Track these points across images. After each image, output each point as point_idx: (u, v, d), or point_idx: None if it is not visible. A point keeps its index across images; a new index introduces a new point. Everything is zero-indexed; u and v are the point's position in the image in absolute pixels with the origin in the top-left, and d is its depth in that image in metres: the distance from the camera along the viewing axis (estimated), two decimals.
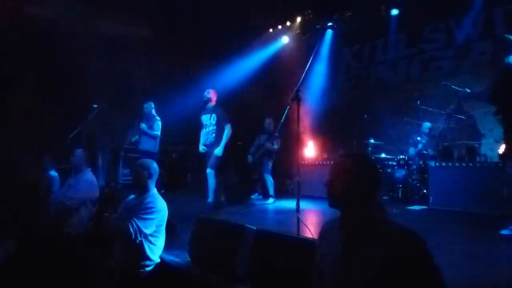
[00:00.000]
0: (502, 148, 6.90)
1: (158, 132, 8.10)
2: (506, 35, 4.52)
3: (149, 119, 8.11)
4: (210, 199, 6.56)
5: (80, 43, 9.46)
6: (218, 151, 6.55)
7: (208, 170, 6.60)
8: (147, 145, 8.00)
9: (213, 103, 6.93)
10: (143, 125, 7.97)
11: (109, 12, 10.25)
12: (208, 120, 6.82)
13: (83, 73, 9.41)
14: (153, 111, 8.28)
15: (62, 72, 9.27)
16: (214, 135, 6.74)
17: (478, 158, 7.31)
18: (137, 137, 8.19)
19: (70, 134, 7.59)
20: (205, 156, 6.89)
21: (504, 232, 4.43)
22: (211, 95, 6.94)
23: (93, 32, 10.21)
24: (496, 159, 7.21)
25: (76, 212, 4.36)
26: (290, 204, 6.86)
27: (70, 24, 9.69)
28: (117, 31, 10.79)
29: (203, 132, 6.92)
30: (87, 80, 9.54)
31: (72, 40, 9.39)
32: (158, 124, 8.15)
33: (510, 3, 8.17)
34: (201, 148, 6.91)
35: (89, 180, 4.51)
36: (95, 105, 7.95)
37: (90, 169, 4.70)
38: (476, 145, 7.68)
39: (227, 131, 6.65)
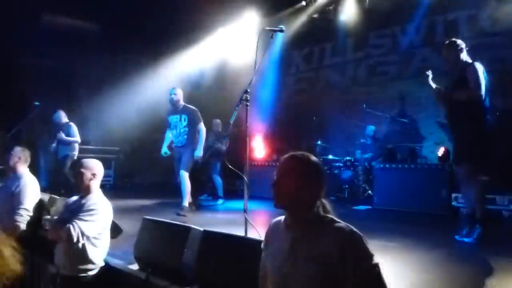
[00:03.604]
0: (441, 151, 7.27)
1: (76, 137, 7.95)
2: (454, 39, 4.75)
3: (63, 128, 7.94)
4: (184, 203, 6.10)
5: (22, 37, 9.06)
6: (198, 152, 6.16)
7: (182, 172, 6.16)
8: (66, 150, 7.88)
9: (181, 102, 6.42)
10: (61, 134, 7.81)
11: (53, 4, 9.87)
12: (178, 122, 6.35)
13: (25, 69, 9.02)
14: (64, 119, 8.07)
15: (1, 67, 8.83)
16: (186, 136, 6.30)
17: (419, 160, 7.64)
18: (54, 145, 7.99)
19: (9, 132, 7.24)
20: (176, 158, 6.45)
21: (457, 237, 4.59)
22: (179, 95, 6.39)
23: (35, 25, 9.80)
24: (436, 161, 7.56)
25: (13, 214, 4.12)
26: (239, 204, 6.87)
27: (10, 17, 9.25)
28: (62, 25, 10.40)
29: (173, 133, 6.44)
30: (29, 77, 9.14)
31: (13, 33, 8.98)
32: (73, 129, 7.96)
33: (449, 12, 8.62)
34: (164, 151, 6.45)
35: (28, 181, 4.27)
36: (36, 103, 7.62)
37: (28, 169, 4.45)
38: (418, 148, 8.02)
39: (202, 131, 6.29)
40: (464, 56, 4.62)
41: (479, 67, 4.47)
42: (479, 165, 4.47)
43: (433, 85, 4.86)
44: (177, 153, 6.42)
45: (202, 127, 6.31)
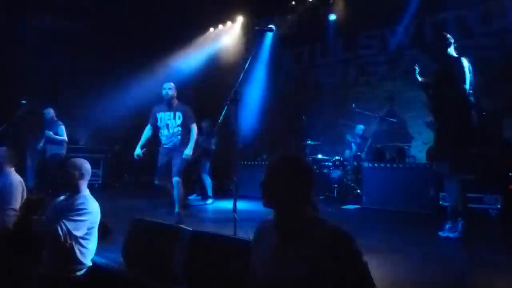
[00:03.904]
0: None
1: (64, 136, 8.00)
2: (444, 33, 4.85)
3: (52, 125, 7.97)
4: (177, 209, 5.54)
5: (9, 35, 8.95)
6: (188, 151, 5.55)
7: (175, 179, 5.56)
8: (55, 149, 7.90)
9: (176, 100, 5.80)
10: (49, 132, 7.83)
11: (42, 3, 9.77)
12: (172, 120, 5.72)
13: (12, 67, 8.91)
14: (54, 117, 8.11)
15: None
16: (180, 137, 5.71)
17: (407, 159, 7.69)
18: (42, 144, 8.02)
19: None
20: (163, 159, 5.78)
21: (441, 233, 4.64)
22: (174, 91, 5.77)
23: (24, 24, 9.69)
24: (423, 161, 7.62)
25: (0, 215, 4.06)
26: (228, 204, 6.86)
27: None
28: (50, 24, 10.30)
29: (163, 133, 5.79)
30: (16, 75, 9.04)
31: (0, 31, 8.88)
32: (62, 128, 8.00)
33: (437, 13, 8.69)
34: (137, 153, 5.73)
35: (13, 181, 4.21)
36: (23, 101, 7.53)
37: (13, 168, 4.38)
38: (406, 147, 8.07)
39: (195, 132, 5.69)
40: (451, 51, 4.71)
41: (465, 62, 4.56)
42: (460, 162, 4.53)
43: (420, 79, 4.96)
44: (167, 155, 5.81)
45: (195, 127, 5.77)
